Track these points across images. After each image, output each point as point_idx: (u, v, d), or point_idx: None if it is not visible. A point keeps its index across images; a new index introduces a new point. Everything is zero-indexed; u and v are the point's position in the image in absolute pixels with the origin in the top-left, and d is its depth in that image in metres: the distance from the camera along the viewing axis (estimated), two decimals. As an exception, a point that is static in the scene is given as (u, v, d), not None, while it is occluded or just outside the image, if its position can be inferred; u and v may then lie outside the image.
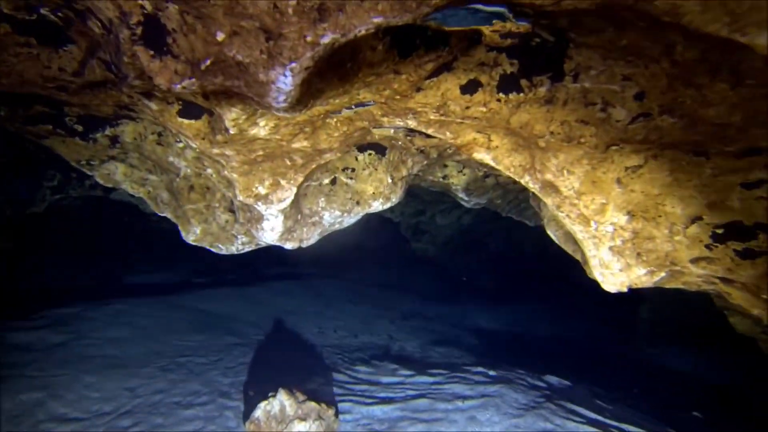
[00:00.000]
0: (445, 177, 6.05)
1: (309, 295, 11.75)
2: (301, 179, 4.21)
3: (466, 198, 6.70)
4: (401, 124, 3.84)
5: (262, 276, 12.66)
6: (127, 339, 7.69)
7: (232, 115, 3.40)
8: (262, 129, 3.66)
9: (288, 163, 4.04)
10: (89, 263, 10.33)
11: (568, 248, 4.92)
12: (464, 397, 6.38)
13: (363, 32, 2.18)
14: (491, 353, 9.90)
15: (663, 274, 3.37)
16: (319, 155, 4.18)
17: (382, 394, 6.58)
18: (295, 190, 4.27)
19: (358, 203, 5.05)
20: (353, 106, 3.57)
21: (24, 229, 8.96)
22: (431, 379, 7.23)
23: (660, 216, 3.17)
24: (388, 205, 5.12)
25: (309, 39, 2.20)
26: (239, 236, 5.32)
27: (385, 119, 3.85)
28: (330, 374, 7.38)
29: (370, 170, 4.90)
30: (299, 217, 4.88)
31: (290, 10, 2.11)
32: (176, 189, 5.05)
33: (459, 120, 3.53)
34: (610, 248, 3.60)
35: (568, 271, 14.67)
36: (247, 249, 5.49)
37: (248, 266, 12.98)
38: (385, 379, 7.27)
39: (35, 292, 9.27)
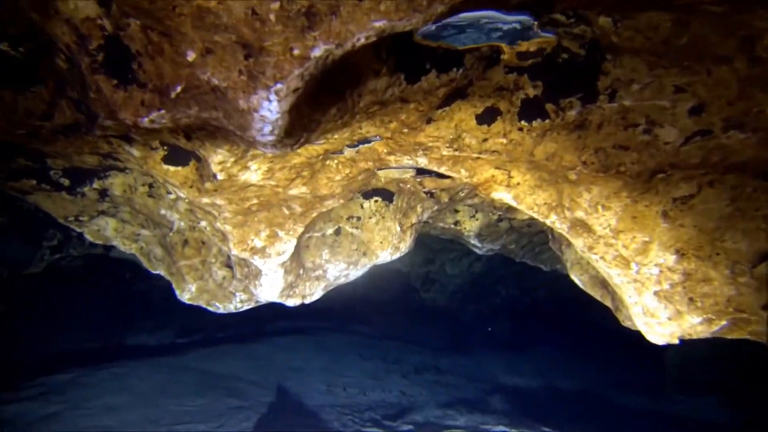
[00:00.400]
0: (456, 223, 5.55)
1: (315, 350, 11.05)
2: (301, 230, 3.72)
3: (478, 245, 6.18)
4: (410, 162, 3.38)
5: (265, 331, 11.99)
6: (123, 406, 7.02)
7: (218, 158, 2.95)
8: (254, 173, 3.20)
9: (286, 212, 3.56)
10: (89, 324, 9.75)
11: (596, 294, 4.35)
12: (488, 464, 5.67)
13: (363, 41, 1.74)
14: (511, 408, 9.11)
15: (724, 322, 2.81)
16: (320, 202, 3.71)
17: (398, 463, 5.86)
18: (294, 242, 3.77)
19: (364, 254, 4.54)
20: (357, 144, 3.12)
21: (20, 290, 8.45)
22: (450, 443, 6.50)
23: (718, 254, 2.64)
24: (396, 256, 4.61)
25: (296, 52, 1.75)
26: (237, 294, 4.79)
27: (391, 158, 3.40)
28: (340, 439, 6.66)
29: (377, 218, 4.42)
30: (301, 271, 4.37)
31: (272, 17, 1.68)
32: (170, 244, 4.57)
33: (475, 155, 3.07)
34: (656, 293, 3.05)
35: (584, 315, 13.91)
36: (247, 307, 4.95)
37: (251, 322, 12.31)
38: (400, 444, 6.54)
39: (30, 357, 8.66)
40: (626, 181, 2.66)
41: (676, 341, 3.15)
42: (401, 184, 4.28)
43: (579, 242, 3.26)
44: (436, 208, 4.65)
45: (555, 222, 3.26)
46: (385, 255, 4.48)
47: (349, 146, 3.18)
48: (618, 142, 2.52)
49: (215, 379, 8.89)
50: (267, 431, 6.76)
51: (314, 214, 3.64)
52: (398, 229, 4.39)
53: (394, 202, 4.34)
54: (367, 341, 12.03)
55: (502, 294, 13.20)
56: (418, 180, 4.03)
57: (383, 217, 4.38)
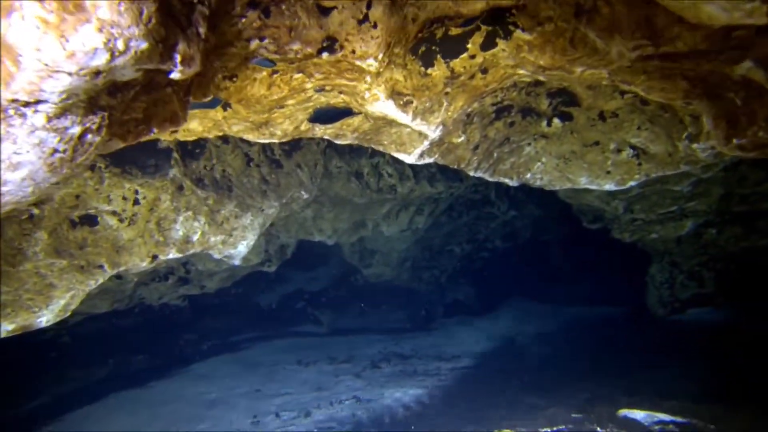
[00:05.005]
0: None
1: (242, 370, 7.36)
2: None
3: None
4: None
5: (184, 356, 8.15)
6: None
7: None
8: None
9: None
10: None
11: None
12: None
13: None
14: (504, 387, 5.79)
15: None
16: None
17: None
18: None
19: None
20: None
21: None
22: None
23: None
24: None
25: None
26: None
27: None
28: None
29: None
30: None
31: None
32: None
33: None
34: None
35: (549, 256, 10.92)
36: None
37: (166, 345, 8.36)
38: None
39: None
40: None
41: None
42: None
43: None
44: None
45: None
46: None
47: None
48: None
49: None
50: None
51: None
52: None
53: None
54: (309, 342, 8.44)
55: (456, 253, 9.94)
56: None
57: None
